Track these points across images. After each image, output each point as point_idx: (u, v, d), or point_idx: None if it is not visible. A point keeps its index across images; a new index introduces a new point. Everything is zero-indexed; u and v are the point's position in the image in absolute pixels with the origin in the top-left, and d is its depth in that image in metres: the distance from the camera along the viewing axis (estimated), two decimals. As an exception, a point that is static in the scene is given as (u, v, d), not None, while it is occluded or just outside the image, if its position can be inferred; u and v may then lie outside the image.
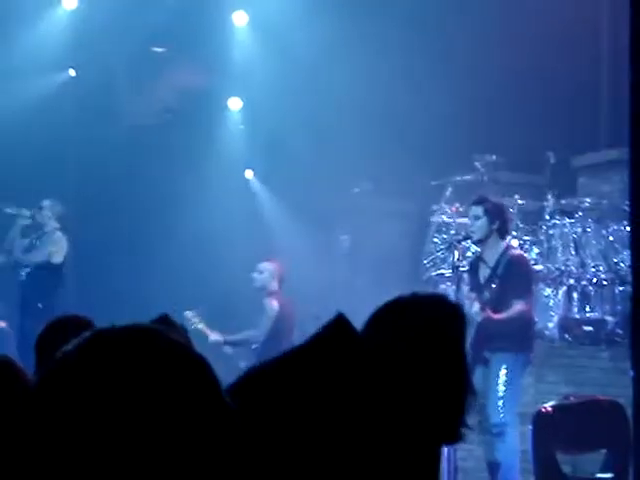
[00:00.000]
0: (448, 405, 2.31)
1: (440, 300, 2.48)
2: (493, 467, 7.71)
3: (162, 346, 1.35)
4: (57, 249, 10.25)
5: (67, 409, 1.28)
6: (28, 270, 10.24)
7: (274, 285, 9.67)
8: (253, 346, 9.57)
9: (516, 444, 7.64)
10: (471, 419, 2.37)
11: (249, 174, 13.61)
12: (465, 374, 2.36)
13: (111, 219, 12.05)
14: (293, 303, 9.83)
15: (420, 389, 2.27)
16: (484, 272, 8.03)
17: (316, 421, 2.12)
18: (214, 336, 9.67)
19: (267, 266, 9.74)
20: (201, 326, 9.77)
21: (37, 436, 1.28)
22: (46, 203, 10.38)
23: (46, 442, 1.27)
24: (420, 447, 2.29)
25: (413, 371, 2.28)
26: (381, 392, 2.22)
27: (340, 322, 2.22)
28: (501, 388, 7.65)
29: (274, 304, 9.56)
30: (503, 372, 7.67)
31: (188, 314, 9.81)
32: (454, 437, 2.35)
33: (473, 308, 7.94)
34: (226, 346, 9.63)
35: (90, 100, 12.43)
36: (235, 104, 13.55)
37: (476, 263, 8.27)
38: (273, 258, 10.01)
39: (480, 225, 7.99)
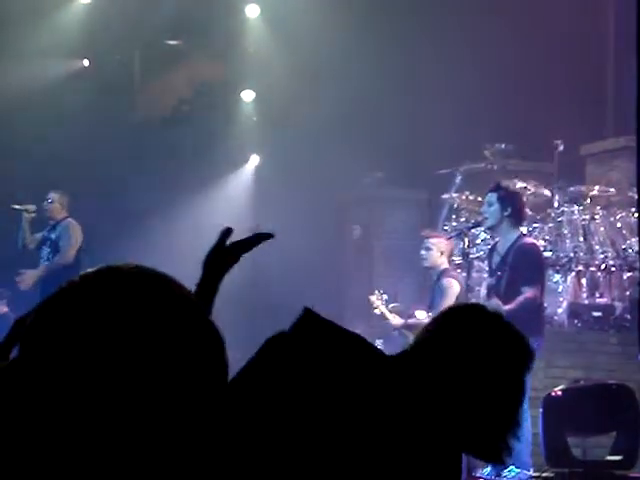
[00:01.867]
0: (493, 425, 2.31)
1: (516, 333, 2.41)
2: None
3: (169, 294, 1.26)
4: (76, 243, 10.31)
5: (62, 336, 1.21)
6: (47, 263, 10.30)
7: (444, 262, 8.90)
8: None
9: (528, 428, 7.76)
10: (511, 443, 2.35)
11: (254, 160, 13.69)
12: (519, 401, 2.35)
13: (122, 208, 12.15)
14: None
15: (469, 402, 2.28)
16: (496, 259, 8.16)
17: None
18: (396, 320, 9.20)
19: (435, 242, 8.95)
20: (383, 310, 9.33)
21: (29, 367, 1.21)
22: (54, 195, 10.37)
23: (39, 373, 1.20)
24: (447, 455, 2.28)
25: (465, 384, 2.28)
26: (420, 400, 2.25)
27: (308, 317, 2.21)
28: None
29: (453, 283, 8.70)
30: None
31: (371, 298, 9.42)
32: (495, 456, 2.35)
33: (481, 294, 8.07)
34: (404, 330, 8.98)
35: (105, 92, 12.53)
36: (248, 96, 13.64)
37: (491, 251, 8.41)
38: (437, 233, 9.33)
39: (492, 211, 8.10)
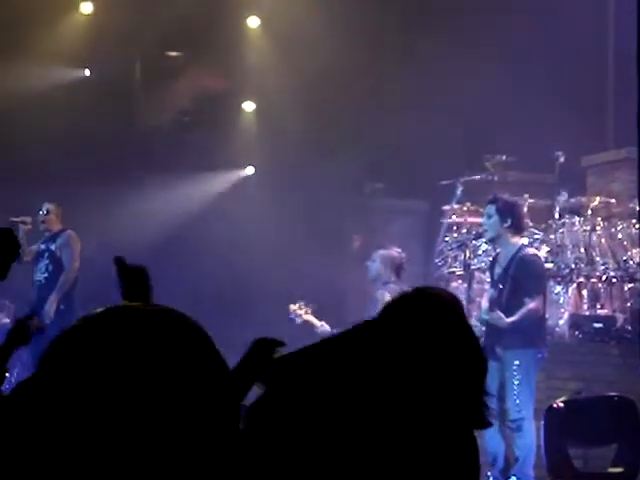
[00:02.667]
0: (470, 389, 2.36)
1: (440, 290, 2.56)
2: (510, 461, 7.83)
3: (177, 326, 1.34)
4: (77, 257, 10.29)
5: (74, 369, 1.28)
6: (46, 275, 10.28)
7: (389, 275, 8.98)
8: None
9: (533, 439, 7.75)
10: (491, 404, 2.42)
11: (250, 170, 13.72)
12: (481, 357, 2.41)
13: (124, 218, 12.15)
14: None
15: (438, 376, 2.30)
16: (497, 271, 8.16)
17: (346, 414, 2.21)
18: (323, 326, 9.24)
19: (380, 254, 9.08)
20: (308, 317, 9.34)
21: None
22: (50, 206, 10.35)
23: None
24: (456, 434, 2.31)
25: (428, 362, 2.31)
26: (399, 383, 2.29)
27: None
28: (516, 384, 7.76)
29: (387, 295, 8.65)
30: (516, 368, 7.79)
31: (292, 307, 9.39)
32: (481, 421, 2.40)
33: (482, 307, 8.08)
34: None
35: (105, 102, 12.54)
36: (249, 107, 13.66)
37: (492, 262, 8.41)
38: (388, 246, 9.36)
39: (491, 223, 8.10)
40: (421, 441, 2.23)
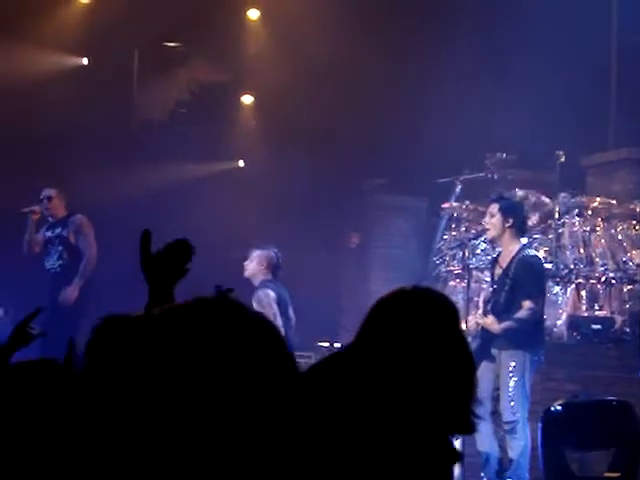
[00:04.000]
0: (456, 395, 2.34)
1: (433, 293, 2.53)
2: (504, 463, 7.78)
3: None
4: (94, 242, 10.15)
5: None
6: (60, 262, 10.12)
7: (265, 273, 9.10)
8: None
9: (528, 441, 7.70)
10: (479, 409, 2.39)
11: (240, 164, 13.68)
12: (470, 363, 2.39)
13: (117, 210, 12.08)
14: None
15: (425, 381, 2.30)
16: (497, 271, 8.09)
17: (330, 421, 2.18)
18: None
19: (257, 254, 9.19)
20: None
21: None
22: (52, 191, 10.17)
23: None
24: (433, 439, 2.31)
25: (417, 363, 2.31)
26: (385, 388, 2.27)
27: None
28: (511, 385, 7.70)
29: (262, 295, 8.94)
30: (512, 370, 7.72)
31: None
32: (466, 427, 2.37)
33: (478, 312, 8.02)
34: None
35: (103, 91, 12.48)
36: (247, 99, 13.61)
37: (493, 262, 8.35)
38: (267, 247, 9.39)
39: (494, 222, 8.03)
40: (399, 443, 2.22)
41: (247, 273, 9.24)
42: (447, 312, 2.41)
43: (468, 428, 2.37)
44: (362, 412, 2.27)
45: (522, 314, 7.77)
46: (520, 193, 10.33)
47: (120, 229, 11.82)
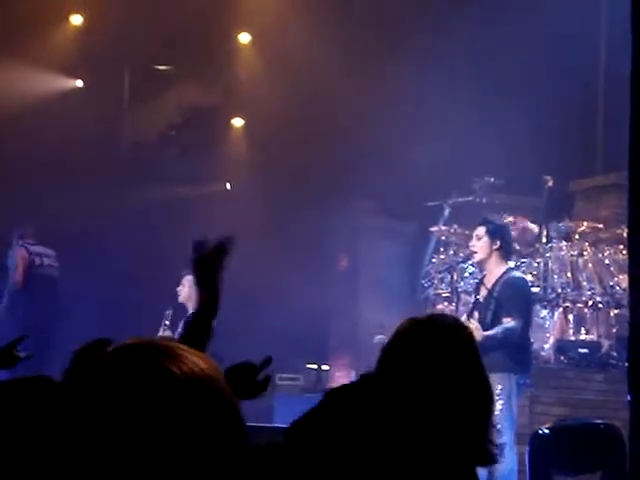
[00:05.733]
0: (477, 426, 2.32)
1: (454, 321, 2.52)
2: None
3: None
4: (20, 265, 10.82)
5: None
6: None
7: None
8: None
9: (514, 465, 7.70)
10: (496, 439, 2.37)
11: (228, 186, 13.72)
12: (489, 394, 2.38)
13: (105, 233, 12.08)
14: None
15: (447, 412, 2.28)
16: (482, 293, 8.11)
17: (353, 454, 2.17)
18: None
19: (189, 279, 9.19)
20: None
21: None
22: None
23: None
24: (456, 472, 2.29)
25: (438, 394, 2.30)
26: (405, 419, 2.25)
27: None
28: (498, 408, 7.70)
29: None
30: (499, 393, 7.72)
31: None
32: (486, 457, 2.35)
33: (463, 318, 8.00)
34: None
35: (94, 114, 12.51)
36: (238, 122, 13.66)
37: (478, 284, 8.37)
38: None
39: (481, 245, 8.06)
40: (426, 476, 2.19)
41: (180, 298, 9.52)
42: (464, 340, 2.40)
43: (491, 458, 2.36)
44: (388, 445, 2.23)
45: (500, 330, 7.76)
46: (508, 218, 10.38)
47: (110, 248, 11.88)
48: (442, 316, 2.53)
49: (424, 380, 2.30)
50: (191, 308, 9.18)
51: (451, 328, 2.41)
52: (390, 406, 2.28)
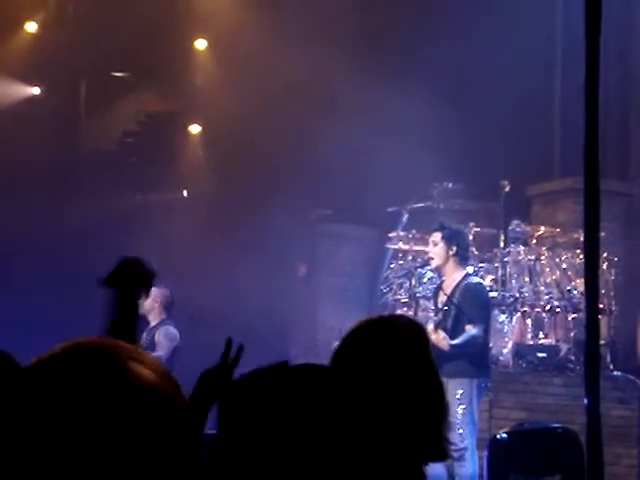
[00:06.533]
0: (430, 422, 2.33)
1: (408, 320, 2.53)
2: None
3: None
4: None
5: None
6: None
7: (161, 312, 9.19)
8: None
9: (475, 468, 7.71)
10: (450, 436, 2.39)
11: (184, 193, 13.69)
12: (441, 389, 2.39)
13: (60, 240, 11.99)
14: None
15: (399, 409, 2.29)
16: (441, 298, 8.12)
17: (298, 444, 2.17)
18: None
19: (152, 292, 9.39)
20: None
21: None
22: None
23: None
24: (407, 468, 2.31)
25: (390, 392, 2.31)
26: (359, 416, 2.27)
27: None
28: (459, 413, 7.71)
29: (163, 335, 9.11)
30: (460, 397, 7.74)
31: None
32: (440, 454, 2.36)
33: (428, 328, 8.01)
34: None
35: (52, 121, 12.42)
36: (195, 129, 13.62)
37: (436, 290, 8.37)
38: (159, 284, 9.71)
39: (437, 251, 8.07)
40: (373, 472, 2.21)
41: (142, 310, 9.32)
42: (416, 338, 2.40)
43: (443, 455, 2.36)
44: (335, 440, 2.25)
45: (466, 338, 7.80)
46: (470, 224, 10.43)
47: (67, 258, 11.78)
48: (396, 316, 2.54)
49: (375, 378, 2.31)
50: (152, 320, 9.17)
51: (404, 328, 2.41)
52: (340, 403, 2.30)
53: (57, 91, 12.63)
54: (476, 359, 7.86)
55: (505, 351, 10.11)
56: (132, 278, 4.07)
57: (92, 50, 12.38)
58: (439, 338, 7.80)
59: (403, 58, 11.86)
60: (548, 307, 10.33)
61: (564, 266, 10.50)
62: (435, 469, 7.73)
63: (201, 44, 13.29)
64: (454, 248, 8.01)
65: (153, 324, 9.20)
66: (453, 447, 7.16)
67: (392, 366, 2.32)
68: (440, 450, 2.35)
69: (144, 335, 9.12)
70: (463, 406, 7.71)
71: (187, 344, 10.01)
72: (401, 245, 11.19)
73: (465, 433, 7.70)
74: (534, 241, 10.71)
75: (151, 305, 9.12)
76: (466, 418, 7.71)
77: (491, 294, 9.52)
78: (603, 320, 10.15)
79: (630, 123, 12.40)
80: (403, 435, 2.29)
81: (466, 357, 7.78)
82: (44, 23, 12.76)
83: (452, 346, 7.72)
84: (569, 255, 10.51)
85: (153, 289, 9.18)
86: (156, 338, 9.05)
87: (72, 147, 12.96)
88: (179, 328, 9.20)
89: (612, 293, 10.51)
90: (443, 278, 8.32)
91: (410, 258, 10.82)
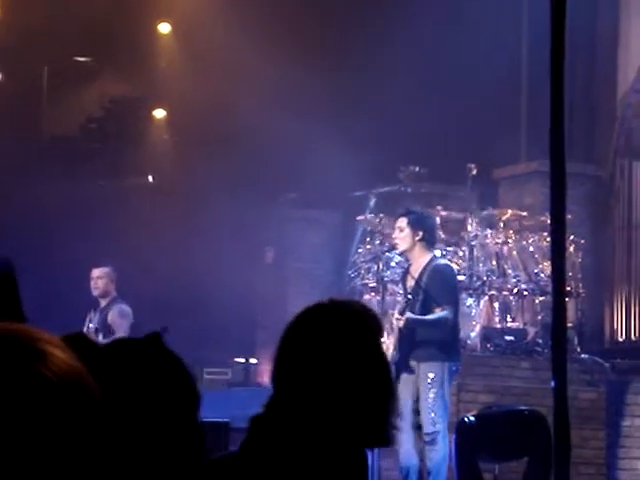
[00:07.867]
0: (374, 408, 2.32)
1: (359, 306, 2.50)
2: (422, 474, 7.77)
3: None
4: None
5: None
6: None
7: (113, 290, 9.35)
8: None
9: (447, 452, 7.70)
10: (396, 421, 2.38)
11: (150, 179, 13.61)
12: (388, 376, 2.38)
13: (25, 228, 11.87)
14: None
15: (344, 393, 2.28)
16: (410, 283, 8.08)
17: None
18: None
19: (106, 271, 9.39)
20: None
21: None
22: None
23: None
24: (349, 452, 2.30)
25: (335, 375, 2.29)
26: (302, 401, 2.25)
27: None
28: (431, 396, 7.69)
29: (117, 314, 9.23)
30: (431, 381, 7.72)
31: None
32: (384, 439, 2.35)
33: (394, 315, 7.99)
34: None
35: (15, 107, 12.29)
36: (159, 114, 13.53)
37: (404, 274, 8.34)
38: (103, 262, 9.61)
39: (403, 237, 8.03)
40: (314, 456, 2.19)
41: (96, 292, 9.40)
42: (364, 324, 2.37)
43: (386, 440, 2.33)
44: (278, 428, 2.24)
45: (436, 318, 7.78)
46: (437, 207, 10.40)
47: (28, 244, 11.65)
48: (347, 301, 2.51)
49: (318, 360, 2.30)
50: (103, 301, 9.22)
51: (353, 312, 2.39)
52: (284, 387, 2.29)
53: (19, 77, 12.49)
54: (447, 343, 7.85)
55: (473, 335, 10.10)
56: None
57: (55, 35, 12.24)
58: (410, 319, 7.76)
59: (370, 41, 11.81)
60: (515, 290, 10.33)
61: (531, 249, 10.50)
62: (410, 455, 7.72)
63: (165, 28, 13.19)
64: (420, 233, 7.97)
65: (104, 304, 9.25)
66: (425, 432, 7.16)
67: (335, 349, 2.31)
68: (384, 436, 2.33)
69: (96, 316, 9.15)
70: (434, 390, 7.69)
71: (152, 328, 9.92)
72: (369, 229, 11.15)
73: (437, 417, 7.68)
74: (501, 224, 10.69)
75: (108, 285, 9.25)
76: (437, 402, 7.70)
77: (459, 277, 9.51)
78: (570, 303, 10.16)
79: (596, 105, 12.41)
80: (345, 419, 2.27)
81: (437, 341, 7.77)
82: (6, 8, 12.60)
83: (423, 320, 7.70)
84: (536, 238, 10.51)
85: (101, 269, 9.28)
86: (109, 318, 9.12)
87: (35, 133, 12.82)
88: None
89: (579, 276, 10.53)
90: (410, 263, 8.29)
91: (377, 242, 10.78)
